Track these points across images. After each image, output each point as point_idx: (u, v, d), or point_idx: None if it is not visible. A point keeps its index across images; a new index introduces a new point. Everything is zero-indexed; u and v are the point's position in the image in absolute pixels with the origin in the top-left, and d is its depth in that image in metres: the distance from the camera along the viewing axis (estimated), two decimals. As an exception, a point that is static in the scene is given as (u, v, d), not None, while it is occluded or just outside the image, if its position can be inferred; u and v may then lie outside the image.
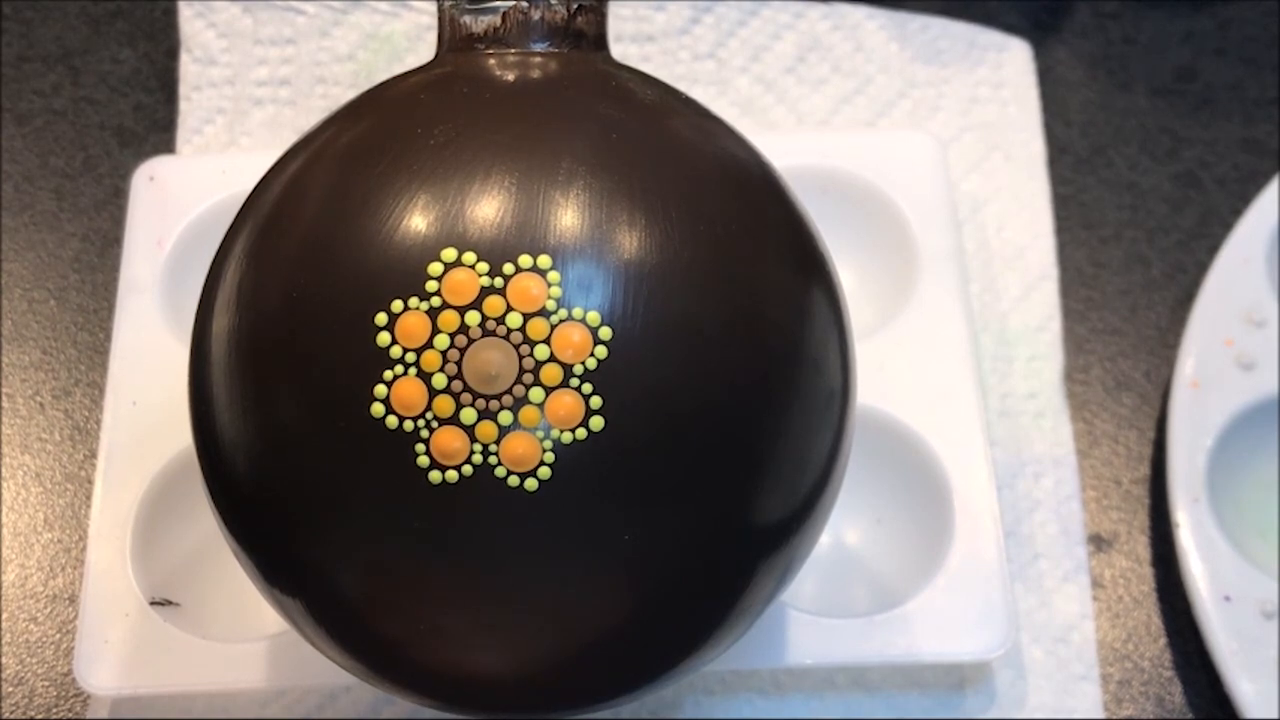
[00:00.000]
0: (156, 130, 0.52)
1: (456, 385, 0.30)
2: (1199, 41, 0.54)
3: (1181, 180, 0.52)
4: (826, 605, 0.42)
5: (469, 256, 0.30)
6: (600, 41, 0.36)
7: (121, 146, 0.52)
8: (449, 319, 0.30)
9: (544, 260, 0.30)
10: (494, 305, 0.30)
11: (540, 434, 0.30)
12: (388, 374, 0.30)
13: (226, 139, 0.51)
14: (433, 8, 0.52)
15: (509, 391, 0.30)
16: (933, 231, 0.47)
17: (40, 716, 0.44)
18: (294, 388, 0.31)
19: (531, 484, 0.30)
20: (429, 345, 0.30)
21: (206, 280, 0.34)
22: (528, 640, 0.32)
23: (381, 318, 0.30)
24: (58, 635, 0.45)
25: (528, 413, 0.30)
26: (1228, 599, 0.43)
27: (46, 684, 0.44)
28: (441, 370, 0.30)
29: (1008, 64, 0.53)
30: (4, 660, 0.44)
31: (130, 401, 0.44)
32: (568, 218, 0.31)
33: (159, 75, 0.53)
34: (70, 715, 0.44)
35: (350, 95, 0.36)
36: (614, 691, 0.35)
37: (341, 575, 0.32)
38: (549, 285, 0.30)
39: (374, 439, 0.30)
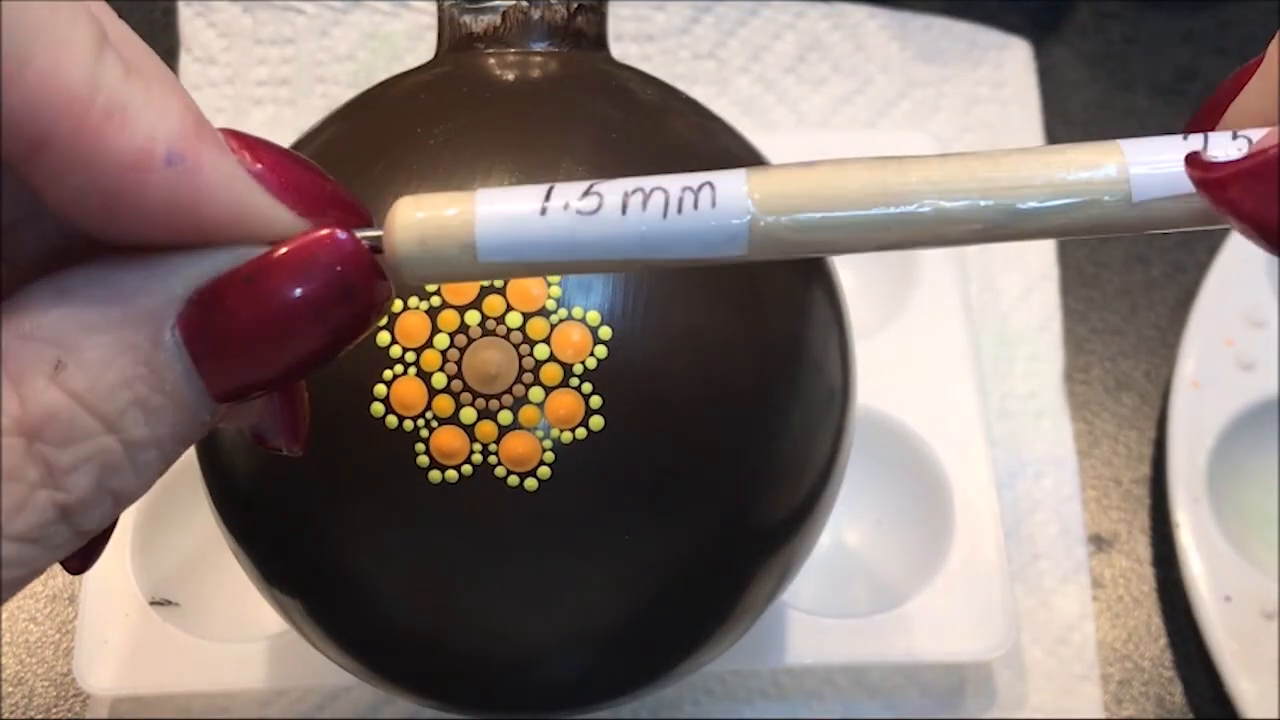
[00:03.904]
0: (156, 130, 0.52)
1: (456, 385, 0.30)
2: (1199, 41, 0.54)
3: (1182, 180, 0.52)
4: (826, 605, 0.42)
5: (469, 256, 0.30)
6: (600, 41, 0.36)
7: (121, 146, 0.52)
8: (449, 318, 0.30)
9: (544, 260, 0.30)
10: (494, 304, 0.30)
11: (540, 433, 0.30)
12: (387, 373, 0.30)
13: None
14: (433, 8, 0.52)
15: (509, 391, 0.30)
16: (933, 231, 0.47)
17: (40, 716, 0.44)
18: (294, 387, 0.31)
19: (531, 484, 0.30)
20: (428, 345, 0.30)
21: (206, 280, 0.34)
22: (527, 640, 0.32)
23: (381, 317, 0.30)
24: (57, 635, 0.45)
25: (527, 412, 0.30)
26: (1228, 599, 0.43)
27: (46, 684, 0.44)
28: (441, 370, 0.30)
29: (1008, 63, 0.53)
30: (3, 660, 0.44)
31: (130, 401, 0.44)
32: (568, 217, 0.31)
33: (159, 75, 0.53)
34: (69, 715, 0.44)
35: (350, 95, 0.36)
36: (614, 691, 0.34)
37: (341, 575, 0.32)
38: (549, 285, 0.30)
39: (374, 438, 0.30)
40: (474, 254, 0.23)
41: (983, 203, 0.23)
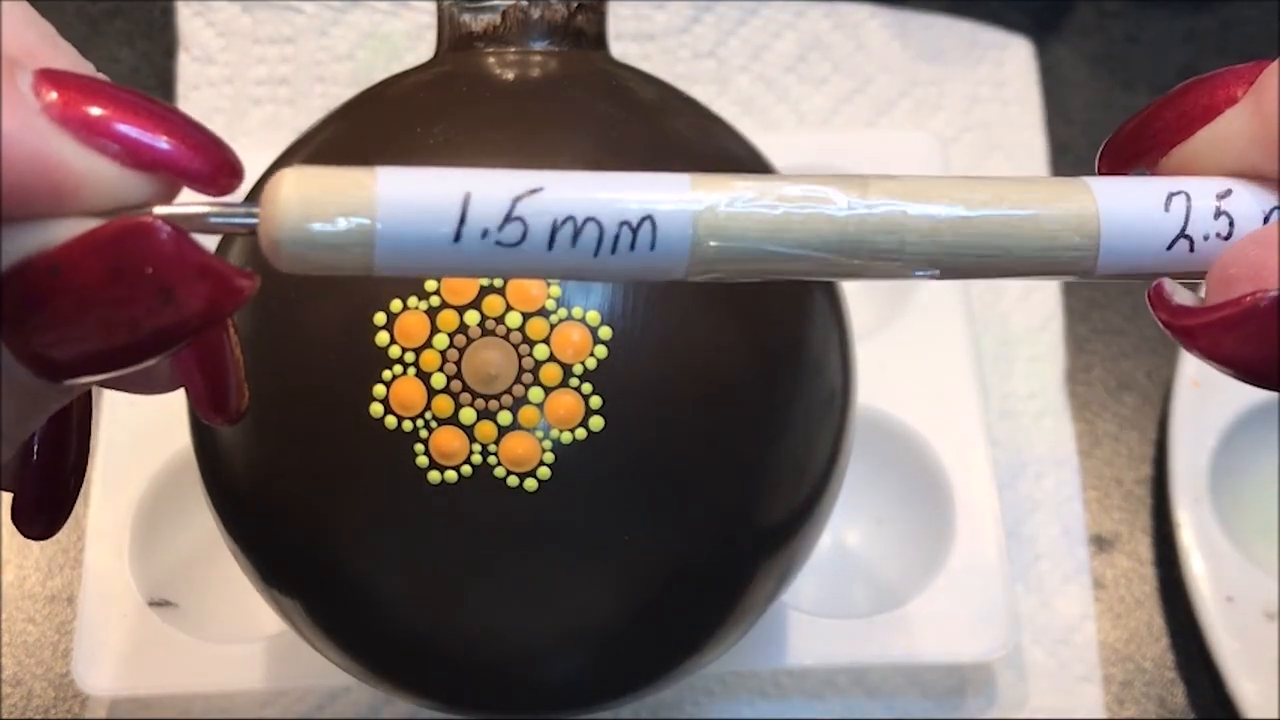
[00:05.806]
0: (155, 129, 0.52)
1: (455, 385, 0.29)
2: (1201, 41, 0.54)
3: (1183, 180, 0.52)
4: (826, 605, 0.42)
5: (468, 256, 0.30)
6: (600, 40, 0.36)
7: (120, 146, 0.52)
8: (448, 318, 0.30)
9: (543, 259, 0.30)
10: (493, 305, 0.30)
11: (540, 434, 0.30)
12: (386, 374, 0.30)
13: (225, 138, 0.51)
14: (432, 7, 0.52)
15: (508, 391, 0.29)
16: (934, 231, 0.46)
17: (38, 717, 0.43)
18: (292, 387, 0.31)
19: (531, 484, 0.30)
20: (428, 345, 0.30)
21: (205, 280, 0.34)
22: (527, 640, 0.32)
23: (380, 317, 0.30)
24: (56, 636, 0.44)
25: (527, 413, 0.29)
26: (1230, 599, 0.42)
27: (44, 685, 0.44)
28: (440, 370, 0.30)
29: (1009, 62, 0.53)
30: (2, 661, 0.44)
31: (129, 401, 0.44)
32: (567, 217, 0.31)
33: (157, 74, 0.53)
34: (68, 716, 0.43)
35: (349, 94, 0.36)
36: (614, 692, 0.34)
37: (340, 575, 0.32)
38: (548, 285, 0.30)
39: (373, 439, 0.30)
40: (370, 263, 0.20)
41: (943, 253, 0.22)
